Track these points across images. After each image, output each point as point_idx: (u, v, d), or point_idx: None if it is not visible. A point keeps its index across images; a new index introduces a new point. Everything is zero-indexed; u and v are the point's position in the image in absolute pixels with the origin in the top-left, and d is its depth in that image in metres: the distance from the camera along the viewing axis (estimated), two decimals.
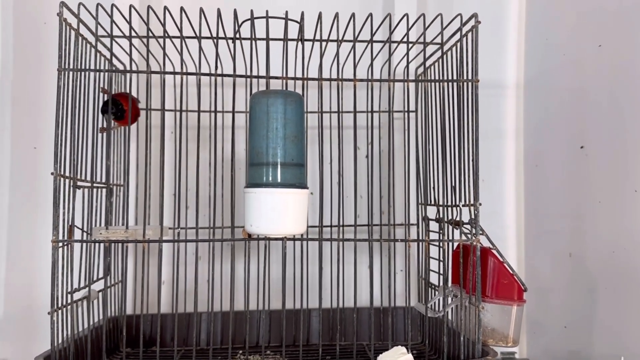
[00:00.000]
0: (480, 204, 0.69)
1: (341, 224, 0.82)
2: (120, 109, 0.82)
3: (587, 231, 0.87)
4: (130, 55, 0.80)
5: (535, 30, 1.05)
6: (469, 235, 0.70)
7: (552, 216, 0.97)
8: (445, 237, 0.74)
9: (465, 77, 0.70)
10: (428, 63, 0.85)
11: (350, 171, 0.99)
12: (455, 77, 0.72)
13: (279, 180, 0.66)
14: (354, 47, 0.74)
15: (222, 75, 0.71)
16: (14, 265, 0.98)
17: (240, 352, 0.89)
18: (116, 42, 0.79)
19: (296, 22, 0.73)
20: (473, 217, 0.69)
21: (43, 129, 0.99)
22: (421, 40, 0.77)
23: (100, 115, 0.82)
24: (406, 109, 0.90)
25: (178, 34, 0.77)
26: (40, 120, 0.99)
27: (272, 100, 0.66)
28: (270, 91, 0.67)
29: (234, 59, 0.74)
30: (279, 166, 0.66)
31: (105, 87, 0.84)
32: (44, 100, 0.98)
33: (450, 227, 0.76)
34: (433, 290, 0.86)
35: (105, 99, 0.83)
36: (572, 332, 0.90)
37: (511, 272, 0.73)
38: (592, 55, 0.86)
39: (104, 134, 0.83)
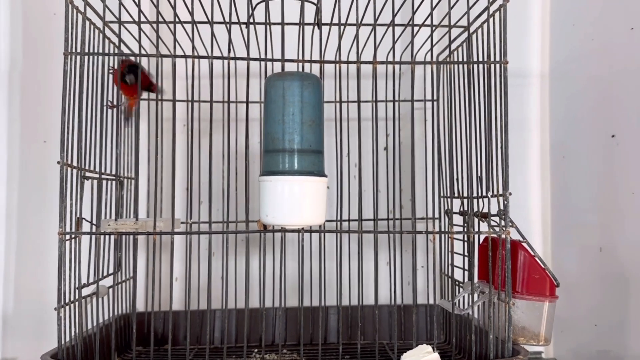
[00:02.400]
0: (510, 194, 0.65)
1: (360, 218, 0.79)
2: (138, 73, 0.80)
3: (619, 224, 0.82)
4: (139, 41, 0.77)
5: (561, 14, 1.01)
6: (498, 228, 0.66)
7: (581, 209, 0.93)
8: (471, 230, 0.70)
9: (493, 59, 0.66)
10: (452, 47, 0.82)
11: (367, 164, 0.95)
12: (482, 60, 0.68)
13: (295, 167, 0.62)
14: (374, 29, 0.70)
15: (235, 58, 0.68)
16: (24, 262, 0.97)
17: (256, 350, 0.86)
18: (125, 27, 0.76)
19: (313, 3, 0.69)
20: (502, 208, 0.65)
21: (52, 122, 0.97)
22: (445, 22, 0.73)
23: (109, 93, 0.79)
24: (430, 97, 0.87)
25: (189, 19, 0.74)
26: (50, 113, 0.97)
27: (288, 83, 0.62)
28: (286, 73, 0.64)
29: (247, 43, 0.71)
30: (295, 153, 0.62)
31: (115, 67, 0.81)
32: (54, 94, 0.96)
33: (476, 220, 0.73)
34: (457, 287, 0.83)
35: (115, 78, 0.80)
36: (603, 331, 0.86)
37: (542, 266, 0.69)
38: (623, 39, 0.82)
39: (113, 112, 0.80)
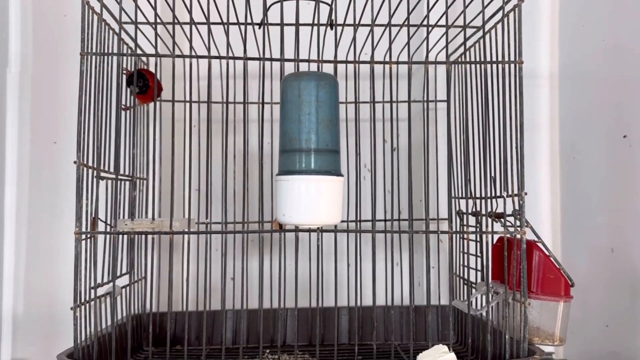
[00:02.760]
0: (525, 194, 0.65)
1: (374, 218, 0.79)
2: (146, 83, 0.81)
3: (631, 225, 0.82)
4: (155, 44, 0.77)
5: (570, 14, 1.00)
6: (513, 228, 0.66)
7: (592, 210, 0.93)
8: (485, 230, 0.70)
9: (507, 59, 0.66)
10: (464, 48, 0.82)
11: (378, 165, 0.95)
12: (496, 60, 0.68)
13: (312, 167, 0.63)
14: (389, 29, 0.70)
15: (250, 58, 0.68)
16: (34, 263, 0.97)
17: (268, 351, 0.86)
18: (140, 30, 0.76)
19: (326, 4, 0.69)
20: (517, 208, 0.65)
21: (63, 123, 0.98)
22: (459, 22, 0.73)
23: (124, 94, 0.80)
24: (440, 97, 0.87)
25: (203, 20, 0.74)
26: (60, 115, 0.98)
27: (304, 82, 0.63)
28: (303, 73, 0.64)
29: (262, 43, 0.71)
30: (312, 152, 0.62)
31: (129, 69, 0.82)
32: (64, 95, 0.97)
33: (490, 220, 0.72)
34: (470, 288, 0.82)
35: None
36: (614, 332, 0.85)
37: (557, 266, 0.69)
38: (634, 39, 0.82)
39: (127, 113, 0.81)
